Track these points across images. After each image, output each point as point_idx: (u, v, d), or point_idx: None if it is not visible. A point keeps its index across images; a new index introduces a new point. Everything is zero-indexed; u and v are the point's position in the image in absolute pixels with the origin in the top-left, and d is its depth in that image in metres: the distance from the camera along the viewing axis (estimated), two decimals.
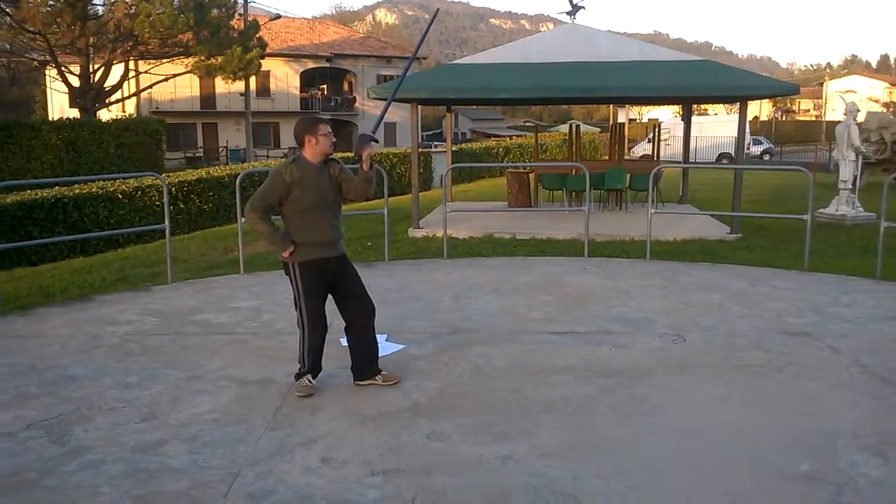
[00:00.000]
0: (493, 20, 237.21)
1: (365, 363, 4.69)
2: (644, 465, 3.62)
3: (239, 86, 33.21)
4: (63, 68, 26.55)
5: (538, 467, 3.59)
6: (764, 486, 3.41)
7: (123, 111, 32.87)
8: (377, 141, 4.59)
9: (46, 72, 33.58)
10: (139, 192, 13.88)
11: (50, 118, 31.11)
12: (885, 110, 45.54)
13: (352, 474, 3.52)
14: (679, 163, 17.63)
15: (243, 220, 8.40)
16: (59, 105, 37.81)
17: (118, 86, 28.45)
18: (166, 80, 29.53)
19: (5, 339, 5.75)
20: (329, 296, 4.59)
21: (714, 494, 3.33)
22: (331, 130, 4.45)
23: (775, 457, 3.69)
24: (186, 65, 28.57)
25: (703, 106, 50.20)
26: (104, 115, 30.17)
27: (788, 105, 69.89)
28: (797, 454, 3.72)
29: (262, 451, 3.78)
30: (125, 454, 3.73)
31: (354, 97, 46.40)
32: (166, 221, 7.96)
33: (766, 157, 38.80)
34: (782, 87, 11.76)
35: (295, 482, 3.45)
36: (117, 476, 3.50)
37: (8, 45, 29.16)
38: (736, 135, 11.26)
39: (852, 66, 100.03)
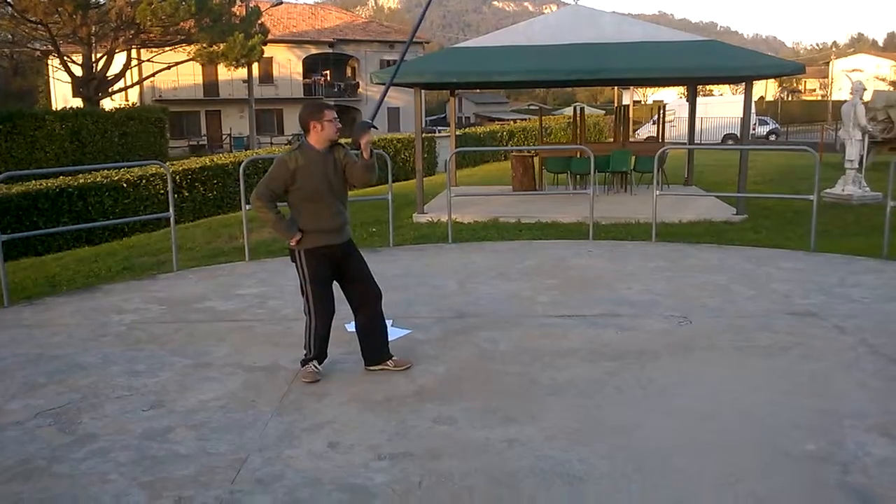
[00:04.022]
0: (496, 3, 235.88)
1: (375, 348, 4.69)
2: (650, 446, 3.62)
3: (242, 73, 33.13)
4: (65, 58, 26.50)
5: (545, 450, 3.59)
6: (770, 466, 3.41)
7: (126, 100, 32.81)
8: (376, 128, 4.58)
9: (49, 62, 33.55)
10: (143, 181, 13.89)
11: (53, 108, 31.13)
12: (891, 89, 45.20)
13: (359, 459, 3.54)
14: (684, 144, 17.55)
15: (248, 207, 8.41)
16: (62, 95, 37.79)
17: (121, 75, 28.39)
18: (168, 68, 29.47)
19: (13, 329, 5.78)
20: (335, 282, 4.59)
21: (720, 475, 3.34)
22: (336, 116, 4.42)
23: (782, 437, 3.69)
24: (189, 52, 28.50)
25: (708, 87, 49.92)
26: (107, 104, 30.15)
27: (794, 85, 69.41)
28: (803, 434, 3.72)
29: (270, 436, 3.79)
30: (133, 441, 3.75)
31: (357, 82, 46.26)
32: (171, 210, 7.97)
33: (772, 138, 38.60)
34: (788, 67, 11.66)
35: (302, 467, 3.47)
36: (125, 463, 3.52)
37: (10, 36, 29.11)
38: (741, 115, 11.19)
39: (858, 44, 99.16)
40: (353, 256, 4.59)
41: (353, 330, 5.22)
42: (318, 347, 4.55)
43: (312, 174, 4.31)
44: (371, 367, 4.70)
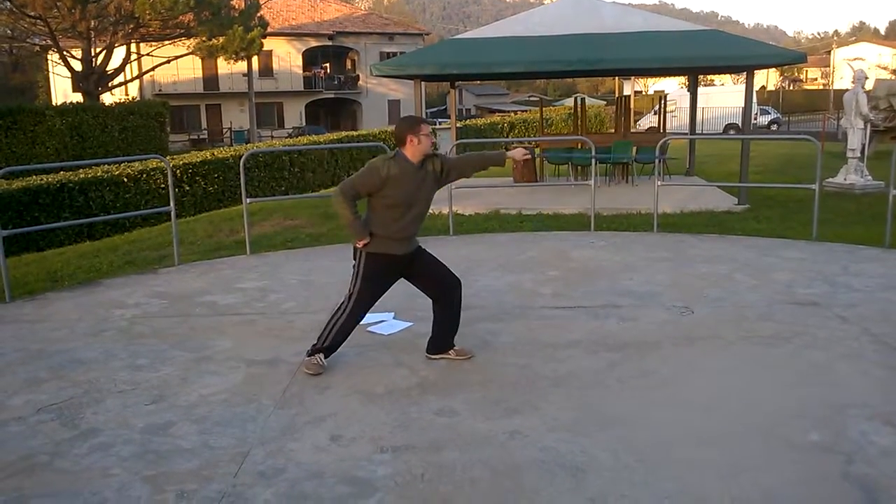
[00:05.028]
0: None
1: (442, 338, 4.72)
2: (653, 437, 3.62)
3: (241, 66, 33.07)
4: (65, 53, 26.47)
5: (547, 441, 3.59)
6: (773, 457, 3.40)
7: (126, 94, 32.78)
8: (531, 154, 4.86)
9: (48, 56, 33.51)
10: (144, 176, 13.87)
11: (53, 103, 31.13)
12: (893, 77, 45.03)
13: (361, 451, 3.54)
14: (686, 134, 17.51)
15: (248, 201, 8.40)
16: (62, 90, 37.77)
17: (120, 69, 28.35)
18: (168, 62, 29.43)
19: (14, 324, 5.78)
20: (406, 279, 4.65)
21: (723, 465, 3.33)
22: (431, 130, 4.42)
23: (785, 427, 3.68)
24: (188, 46, 28.46)
25: (709, 77, 49.75)
26: (107, 98, 30.12)
27: (796, 74, 69.18)
28: (807, 424, 3.71)
29: (272, 430, 3.79)
30: (135, 436, 3.75)
31: (357, 75, 46.17)
32: (171, 204, 7.96)
33: (774, 127, 38.50)
34: (789, 56, 11.62)
35: (305, 460, 3.46)
36: (128, 458, 3.52)
37: (9, 31, 29.06)
38: (743, 105, 11.15)
39: (860, 33, 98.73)
40: (421, 259, 4.61)
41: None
42: (334, 342, 4.55)
43: (403, 185, 4.31)
44: (433, 356, 4.72)
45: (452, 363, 4.66)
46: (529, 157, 4.75)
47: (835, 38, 79.30)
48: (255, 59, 33.29)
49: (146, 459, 3.50)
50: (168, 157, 14.26)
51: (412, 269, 4.58)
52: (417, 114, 11.82)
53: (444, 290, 4.63)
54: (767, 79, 64.24)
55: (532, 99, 53.87)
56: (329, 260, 7.72)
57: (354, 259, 4.52)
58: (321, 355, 4.55)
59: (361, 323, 5.28)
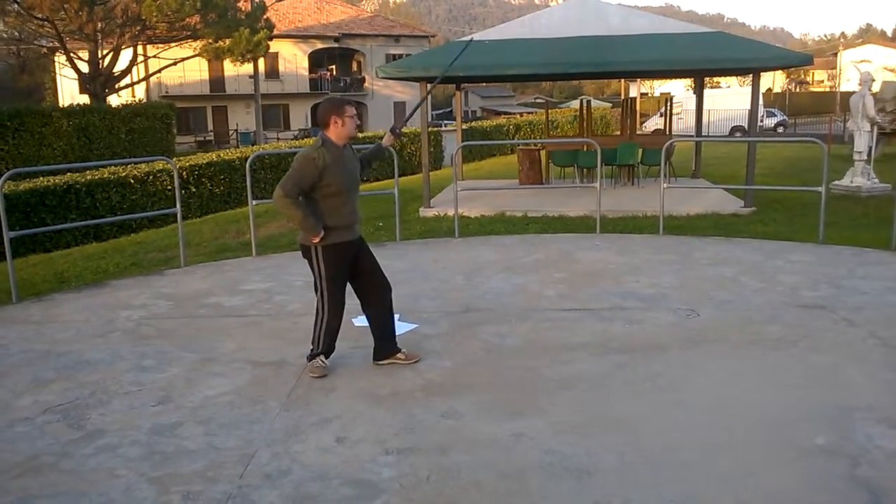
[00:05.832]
0: None
1: (384, 341, 4.69)
2: (659, 440, 3.61)
3: (248, 68, 33.12)
4: (72, 54, 26.56)
5: (553, 444, 3.59)
6: (779, 460, 3.39)
7: (133, 96, 32.87)
8: (399, 134, 5.00)
9: (55, 58, 33.63)
10: (151, 177, 13.90)
11: (60, 105, 31.17)
12: None
13: (366, 453, 3.54)
14: (692, 136, 17.48)
15: (255, 202, 8.42)
16: (69, 92, 37.87)
17: (127, 71, 28.45)
18: (174, 64, 29.52)
19: (21, 325, 5.80)
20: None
21: (728, 468, 3.32)
22: (356, 112, 4.42)
23: (791, 430, 3.67)
24: (194, 48, 28.53)
25: (715, 79, 49.60)
26: (114, 100, 30.19)
27: (802, 76, 68.99)
28: (813, 427, 3.70)
29: (277, 431, 3.80)
30: (141, 437, 3.76)
31: (364, 77, 46.22)
32: (178, 206, 7.98)
33: (780, 130, 38.39)
34: (795, 58, 11.59)
35: (310, 462, 3.47)
36: (134, 459, 3.53)
37: (17, 33, 29.19)
38: (749, 107, 11.13)
39: (867, 35, 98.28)
40: (364, 251, 4.61)
41: (361, 325, 5.24)
42: (327, 343, 4.54)
43: (338, 171, 4.31)
44: (380, 362, 4.70)
45: (458, 365, 4.66)
46: (393, 136, 4.88)
47: (841, 40, 78.91)
48: (261, 61, 33.36)
49: (152, 460, 3.51)
50: (174, 159, 14.30)
51: (358, 260, 4.55)
52: (423, 116, 11.84)
53: (379, 290, 4.62)
54: (774, 81, 64.06)
55: (538, 101, 53.93)
56: None
57: (305, 257, 4.49)
58: (322, 357, 4.55)
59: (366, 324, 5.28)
